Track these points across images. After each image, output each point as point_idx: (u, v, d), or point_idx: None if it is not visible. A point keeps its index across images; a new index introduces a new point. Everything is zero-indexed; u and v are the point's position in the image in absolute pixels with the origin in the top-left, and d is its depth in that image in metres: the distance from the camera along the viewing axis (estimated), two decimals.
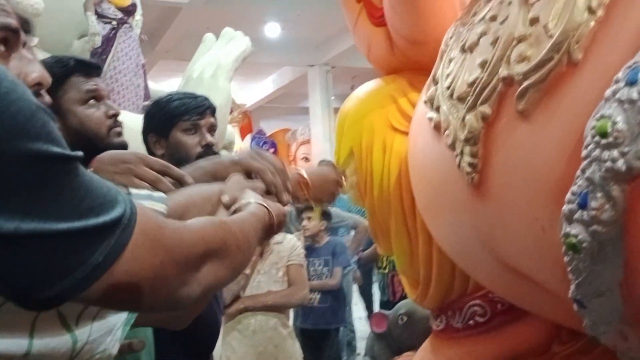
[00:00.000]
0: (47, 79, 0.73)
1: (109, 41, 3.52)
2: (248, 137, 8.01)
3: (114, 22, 3.61)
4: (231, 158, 1.03)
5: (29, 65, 0.71)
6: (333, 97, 9.98)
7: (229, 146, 3.53)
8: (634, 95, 0.57)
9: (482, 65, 0.85)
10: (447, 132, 0.95)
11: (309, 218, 3.47)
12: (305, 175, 1.11)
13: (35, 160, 0.45)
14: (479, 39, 0.89)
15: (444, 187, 1.02)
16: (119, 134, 1.30)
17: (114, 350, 0.88)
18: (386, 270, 3.92)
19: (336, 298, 3.50)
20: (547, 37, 0.74)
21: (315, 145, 8.93)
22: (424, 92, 1.16)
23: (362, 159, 1.39)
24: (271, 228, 0.83)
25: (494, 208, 0.87)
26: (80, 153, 0.49)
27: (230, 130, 3.71)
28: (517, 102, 0.77)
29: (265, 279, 2.68)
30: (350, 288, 4.29)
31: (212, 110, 1.50)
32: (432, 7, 1.28)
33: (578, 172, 0.63)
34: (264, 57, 8.49)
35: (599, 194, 0.61)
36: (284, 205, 0.97)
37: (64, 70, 1.25)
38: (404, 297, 2.63)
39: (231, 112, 4.91)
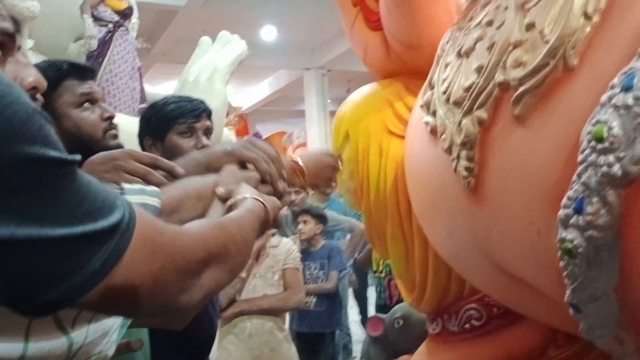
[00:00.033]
0: (43, 83, 0.73)
1: (105, 44, 3.51)
2: None
3: (110, 25, 3.60)
4: (224, 148, 1.01)
5: (24, 70, 0.71)
6: (329, 101, 9.99)
7: None
8: (630, 100, 0.58)
9: (479, 70, 0.85)
10: (443, 136, 0.95)
11: (305, 222, 3.47)
12: (300, 162, 1.10)
13: (31, 164, 0.44)
14: (475, 44, 0.90)
15: (440, 191, 1.02)
16: (115, 136, 1.30)
17: (110, 352, 0.87)
18: (382, 274, 3.92)
19: (332, 302, 3.49)
20: (543, 43, 0.74)
21: (312, 148, 8.94)
22: (420, 96, 1.16)
23: (358, 162, 1.40)
24: (267, 223, 0.82)
25: (490, 212, 0.87)
26: (78, 157, 0.48)
27: (226, 133, 3.71)
28: (513, 107, 0.77)
29: (261, 282, 2.68)
30: (346, 292, 4.29)
31: (208, 113, 1.50)
32: (428, 12, 1.29)
33: (574, 177, 0.64)
34: (260, 60, 8.50)
35: (594, 199, 0.61)
36: (281, 193, 0.97)
37: (58, 73, 1.25)
38: (400, 300, 2.63)
39: (227, 115, 4.91)
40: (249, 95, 11.86)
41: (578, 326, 0.74)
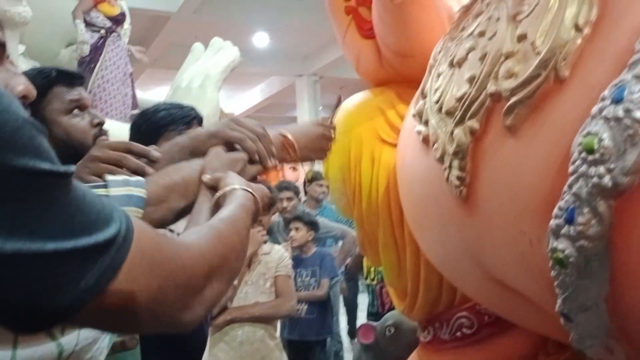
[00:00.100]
0: (32, 91, 0.73)
1: (97, 50, 3.51)
2: None
3: (103, 31, 3.60)
4: (208, 130, 0.96)
5: (14, 78, 0.71)
6: (321, 107, 10.01)
7: None
8: (620, 113, 0.58)
9: (471, 80, 0.85)
10: (435, 145, 0.95)
11: (297, 229, 3.47)
12: (289, 136, 1.03)
13: (20, 175, 0.42)
14: (467, 54, 0.90)
15: (432, 200, 1.03)
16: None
17: (102, 358, 0.87)
18: (374, 282, 3.92)
19: (323, 309, 3.49)
20: (534, 54, 0.75)
21: (302, 168, 8.91)
22: (412, 105, 1.17)
23: (350, 170, 1.40)
24: (257, 214, 0.80)
25: (482, 221, 0.88)
26: (71, 168, 0.46)
27: None
28: (505, 118, 0.78)
29: (252, 289, 2.67)
30: (338, 299, 4.28)
31: (199, 120, 1.50)
32: (421, 21, 1.29)
33: (565, 188, 0.64)
34: (252, 67, 8.51)
35: (585, 210, 0.62)
36: (270, 169, 0.93)
37: (46, 81, 1.25)
38: (392, 308, 2.63)
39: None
40: (241, 101, 11.86)
41: (568, 335, 0.74)
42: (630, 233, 0.61)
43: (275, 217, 3.92)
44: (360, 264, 4.07)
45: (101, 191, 0.74)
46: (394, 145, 1.31)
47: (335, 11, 1.49)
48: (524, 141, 0.75)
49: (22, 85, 0.71)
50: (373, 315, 3.91)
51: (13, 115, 0.42)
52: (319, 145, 1.08)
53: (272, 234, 3.57)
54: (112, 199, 0.73)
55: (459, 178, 0.88)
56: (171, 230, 1.33)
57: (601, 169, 0.60)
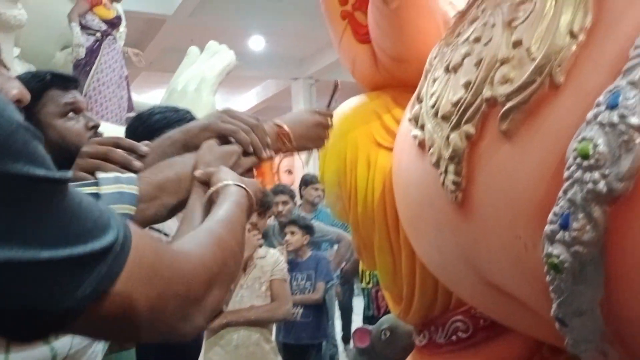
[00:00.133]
0: (27, 95, 0.72)
1: (92, 53, 3.51)
2: None
3: (98, 34, 3.60)
4: (200, 123, 0.94)
5: (8, 82, 0.71)
6: None
7: None
8: (615, 118, 0.59)
9: (466, 85, 0.86)
10: (431, 150, 0.95)
11: (292, 232, 3.47)
12: (284, 126, 1.00)
13: (14, 181, 0.40)
14: (462, 59, 0.91)
15: (428, 204, 1.03)
16: None
17: None
18: (370, 285, 3.92)
19: (319, 313, 3.49)
20: (529, 60, 0.75)
21: (299, 158, 8.91)
22: (408, 109, 1.17)
23: (346, 174, 1.40)
24: (251, 210, 0.79)
25: (477, 226, 0.88)
26: (68, 174, 0.45)
27: None
28: (500, 123, 0.78)
29: (248, 293, 2.67)
30: (333, 303, 4.28)
31: None
32: (416, 26, 1.30)
33: (560, 193, 0.64)
34: (248, 70, 8.52)
35: (580, 215, 0.62)
36: (265, 160, 0.91)
37: (40, 84, 1.24)
38: (388, 312, 2.63)
39: None
40: (236, 104, 11.85)
41: (563, 339, 0.75)
42: (625, 238, 0.61)
43: (271, 221, 3.92)
44: (357, 268, 4.07)
45: (92, 189, 0.73)
46: (390, 149, 1.31)
47: (331, 15, 1.49)
48: (519, 146, 0.76)
49: (16, 89, 0.70)
50: (368, 318, 3.91)
51: (7, 120, 0.41)
52: (315, 133, 1.05)
53: (267, 238, 3.57)
54: (104, 197, 0.72)
55: (454, 183, 0.88)
56: (166, 235, 1.33)
57: (596, 175, 0.60)
